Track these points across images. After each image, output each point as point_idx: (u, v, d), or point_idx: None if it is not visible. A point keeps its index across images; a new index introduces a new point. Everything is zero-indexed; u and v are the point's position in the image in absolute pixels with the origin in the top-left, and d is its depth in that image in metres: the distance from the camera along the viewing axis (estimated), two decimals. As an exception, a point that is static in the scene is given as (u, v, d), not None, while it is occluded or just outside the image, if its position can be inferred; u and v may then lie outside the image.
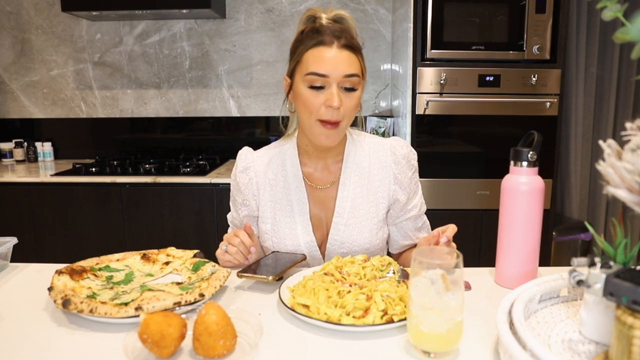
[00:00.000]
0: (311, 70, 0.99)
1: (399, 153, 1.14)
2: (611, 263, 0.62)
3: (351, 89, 1.01)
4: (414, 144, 2.15)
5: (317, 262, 1.13)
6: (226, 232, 1.14)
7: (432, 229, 1.21)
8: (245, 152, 1.18)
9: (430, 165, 2.11)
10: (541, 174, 0.91)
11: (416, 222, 1.19)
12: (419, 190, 1.20)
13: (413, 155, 1.17)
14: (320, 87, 0.99)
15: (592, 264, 0.62)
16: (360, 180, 1.13)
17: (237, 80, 2.78)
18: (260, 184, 1.15)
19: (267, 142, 1.24)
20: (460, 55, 2.11)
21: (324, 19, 1.03)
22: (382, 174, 1.13)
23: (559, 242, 2.43)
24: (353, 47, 1.01)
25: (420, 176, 1.33)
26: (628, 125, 0.61)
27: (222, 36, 2.73)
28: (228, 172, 2.37)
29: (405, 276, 0.90)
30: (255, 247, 1.04)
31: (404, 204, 1.15)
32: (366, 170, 1.13)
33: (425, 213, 1.23)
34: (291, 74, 1.05)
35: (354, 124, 1.18)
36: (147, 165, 2.42)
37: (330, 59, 0.98)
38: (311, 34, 1.01)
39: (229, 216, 1.25)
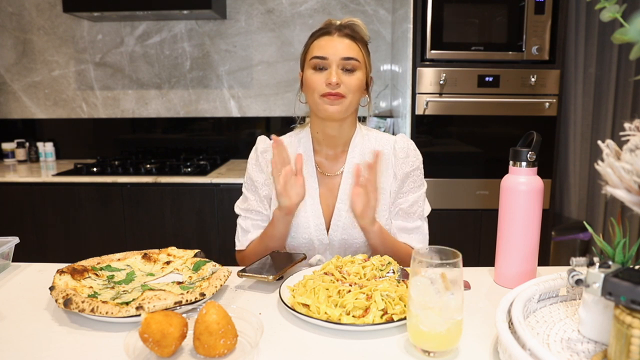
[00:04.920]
0: (314, 55, 1.11)
1: (398, 146, 1.19)
2: (610, 262, 0.62)
3: (351, 71, 1.10)
4: (414, 144, 2.15)
5: (323, 246, 1.18)
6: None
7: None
8: (264, 138, 1.25)
9: (430, 165, 2.09)
10: (540, 174, 0.92)
11: (406, 221, 1.19)
12: (419, 192, 1.20)
13: (413, 152, 1.20)
14: (322, 69, 1.10)
15: (590, 264, 0.63)
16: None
17: (238, 81, 2.78)
18: None
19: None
20: (459, 56, 2.11)
21: (338, 22, 1.15)
22: (383, 166, 1.19)
23: (558, 241, 2.43)
24: (355, 37, 1.12)
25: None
26: (626, 125, 0.62)
27: (223, 37, 2.74)
28: (229, 172, 2.38)
29: (405, 276, 0.90)
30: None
31: (395, 196, 1.18)
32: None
33: (425, 219, 1.23)
34: (302, 66, 1.17)
35: (363, 121, 1.25)
36: (148, 165, 2.42)
37: (331, 45, 1.10)
38: (318, 29, 1.15)
39: (240, 206, 1.24)
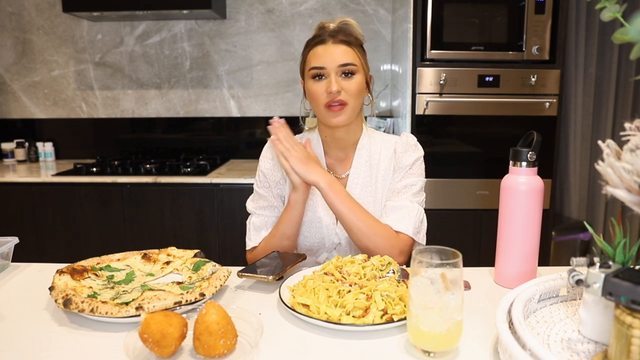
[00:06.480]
0: (311, 66, 1.13)
1: (398, 144, 1.21)
2: (610, 263, 0.62)
3: (350, 76, 1.12)
4: (414, 144, 2.15)
5: (333, 245, 1.19)
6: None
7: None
8: None
9: (430, 165, 2.10)
10: (540, 173, 0.92)
11: (393, 200, 1.15)
12: (416, 178, 1.17)
13: (413, 146, 1.20)
14: (322, 78, 1.12)
15: (591, 264, 0.62)
16: (370, 170, 1.21)
17: (238, 81, 2.78)
18: None
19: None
20: (459, 56, 2.11)
21: (331, 26, 1.17)
22: (387, 165, 1.21)
23: (558, 241, 2.43)
24: (349, 41, 1.14)
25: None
26: (627, 125, 0.62)
27: (223, 37, 2.74)
28: (229, 172, 2.38)
29: (405, 276, 0.90)
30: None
31: (391, 185, 1.19)
32: (376, 163, 1.21)
33: (425, 210, 1.22)
34: (302, 75, 1.19)
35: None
36: (148, 165, 2.42)
37: (326, 53, 1.12)
38: (312, 38, 1.16)
39: (253, 204, 1.23)
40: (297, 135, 1.29)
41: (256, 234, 1.20)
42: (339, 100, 1.11)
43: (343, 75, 1.11)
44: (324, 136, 1.23)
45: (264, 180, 1.23)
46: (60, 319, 0.82)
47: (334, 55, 1.11)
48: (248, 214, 1.25)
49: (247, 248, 1.22)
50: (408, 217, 1.12)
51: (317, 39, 1.14)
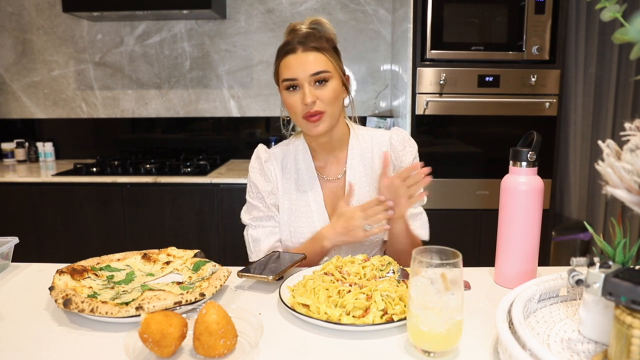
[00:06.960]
0: (284, 77, 1.11)
1: (394, 141, 1.20)
2: (610, 263, 0.62)
3: (324, 83, 1.09)
4: (414, 144, 2.15)
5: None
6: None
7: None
8: (264, 147, 1.26)
9: (430, 165, 2.11)
10: (540, 173, 0.92)
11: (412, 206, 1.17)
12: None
13: (409, 142, 1.21)
14: (296, 89, 1.10)
15: (591, 264, 0.62)
16: (365, 170, 1.20)
17: (238, 81, 2.78)
18: (277, 176, 1.22)
19: (267, 143, 1.25)
20: (459, 56, 2.11)
21: (302, 28, 1.14)
22: (382, 164, 1.18)
23: (558, 241, 2.43)
24: (319, 47, 1.10)
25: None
26: (627, 125, 0.62)
27: (223, 37, 2.74)
28: (229, 172, 2.38)
29: (405, 276, 0.90)
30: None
31: None
32: (370, 162, 1.20)
33: (425, 210, 1.23)
34: (277, 83, 1.17)
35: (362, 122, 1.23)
36: (148, 165, 2.42)
37: (296, 64, 1.08)
38: (283, 47, 1.13)
39: (247, 215, 1.22)
40: (283, 142, 1.27)
41: (256, 246, 1.18)
42: (316, 111, 1.08)
43: (317, 83, 1.08)
44: (309, 142, 1.21)
45: (256, 192, 1.21)
46: (60, 319, 0.82)
47: (305, 64, 1.07)
48: None
49: (251, 261, 1.19)
50: (425, 222, 1.21)
51: (287, 47, 1.10)
